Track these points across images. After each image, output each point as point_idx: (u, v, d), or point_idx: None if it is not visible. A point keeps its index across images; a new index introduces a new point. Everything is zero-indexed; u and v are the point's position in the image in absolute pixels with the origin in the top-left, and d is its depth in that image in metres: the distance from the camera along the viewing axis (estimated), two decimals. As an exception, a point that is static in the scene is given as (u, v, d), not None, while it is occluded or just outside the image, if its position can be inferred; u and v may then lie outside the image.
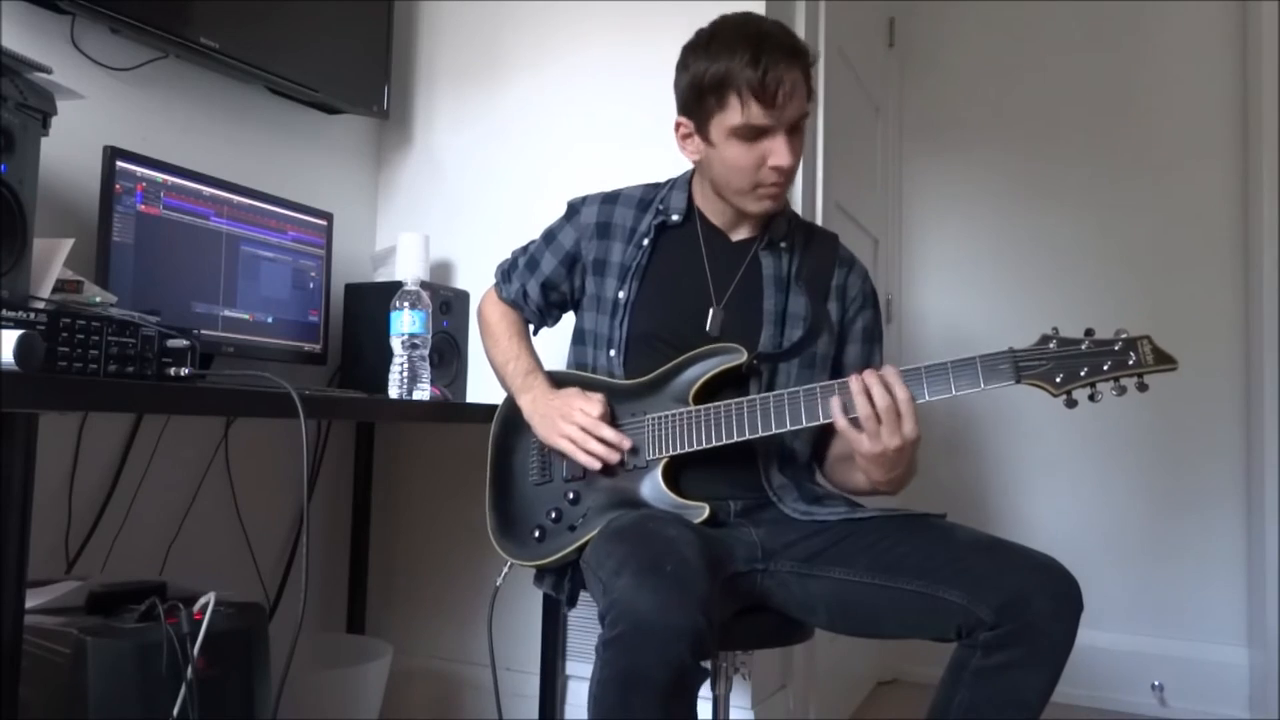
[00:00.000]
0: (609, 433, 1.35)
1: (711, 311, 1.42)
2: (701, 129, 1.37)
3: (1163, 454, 2.68)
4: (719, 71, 1.30)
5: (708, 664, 1.06)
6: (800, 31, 2.11)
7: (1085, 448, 2.75)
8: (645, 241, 1.47)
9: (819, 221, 2.14)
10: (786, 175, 1.35)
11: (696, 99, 1.35)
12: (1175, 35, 2.75)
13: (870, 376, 1.20)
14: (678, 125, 1.41)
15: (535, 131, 2.24)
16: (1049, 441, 2.78)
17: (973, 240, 2.97)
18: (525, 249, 1.61)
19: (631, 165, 1.86)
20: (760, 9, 1.94)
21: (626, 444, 1.35)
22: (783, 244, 1.46)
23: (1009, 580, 1.14)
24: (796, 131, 1.34)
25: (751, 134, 1.31)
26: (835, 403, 1.23)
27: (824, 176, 2.18)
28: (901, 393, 1.19)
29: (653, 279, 1.46)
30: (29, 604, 1.07)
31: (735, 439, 1.30)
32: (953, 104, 3.01)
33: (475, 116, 2.32)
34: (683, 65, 1.36)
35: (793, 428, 1.28)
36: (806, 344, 1.41)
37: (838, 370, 1.47)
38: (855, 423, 1.21)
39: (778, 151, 1.31)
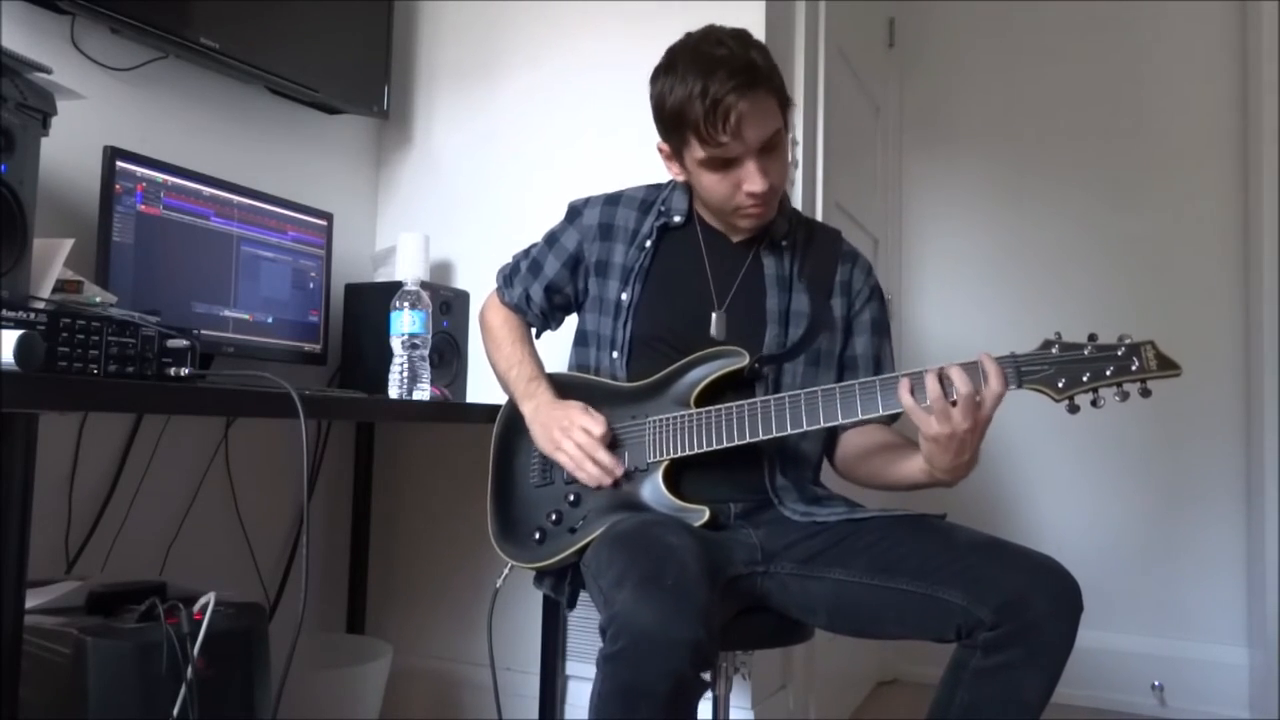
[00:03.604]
0: (604, 456, 1.34)
1: (715, 316, 1.42)
2: (677, 155, 1.37)
3: (1163, 454, 2.68)
4: (674, 105, 1.28)
5: (708, 675, 1.06)
6: (800, 31, 2.11)
7: (1085, 448, 2.75)
8: (648, 243, 1.47)
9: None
10: (764, 198, 1.33)
11: (663, 130, 1.35)
12: (1175, 35, 2.75)
13: (951, 367, 1.16)
14: (660, 149, 1.41)
15: (536, 131, 2.24)
16: (1049, 442, 2.78)
17: (973, 239, 2.97)
18: (527, 252, 1.60)
19: (633, 163, 1.86)
20: (760, 10, 1.94)
21: (619, 471, 1.35)
22: (784, 242, 1.46)
23: (1009, 581, 1.14)
24: (771, 150, 1.31)
25: (720, 164, 1.31)
26: (904, 384, 1.19)
27: (824, 176, 2.18)
28: (997, 386, 1.15)
29: (655, 281, 1.46)
30: (29, 604, 1.07)
31: (736, 442, 1.30)
32: (953, 104, 3.01)
33: (475, 116, 2.32)
34: (650, 92, 1.34)
35: (794, 431, 1.27)
36: (809, 341, 1.41)
37: (843, 365, 1.47)
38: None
39: (750, 178, 1.30)
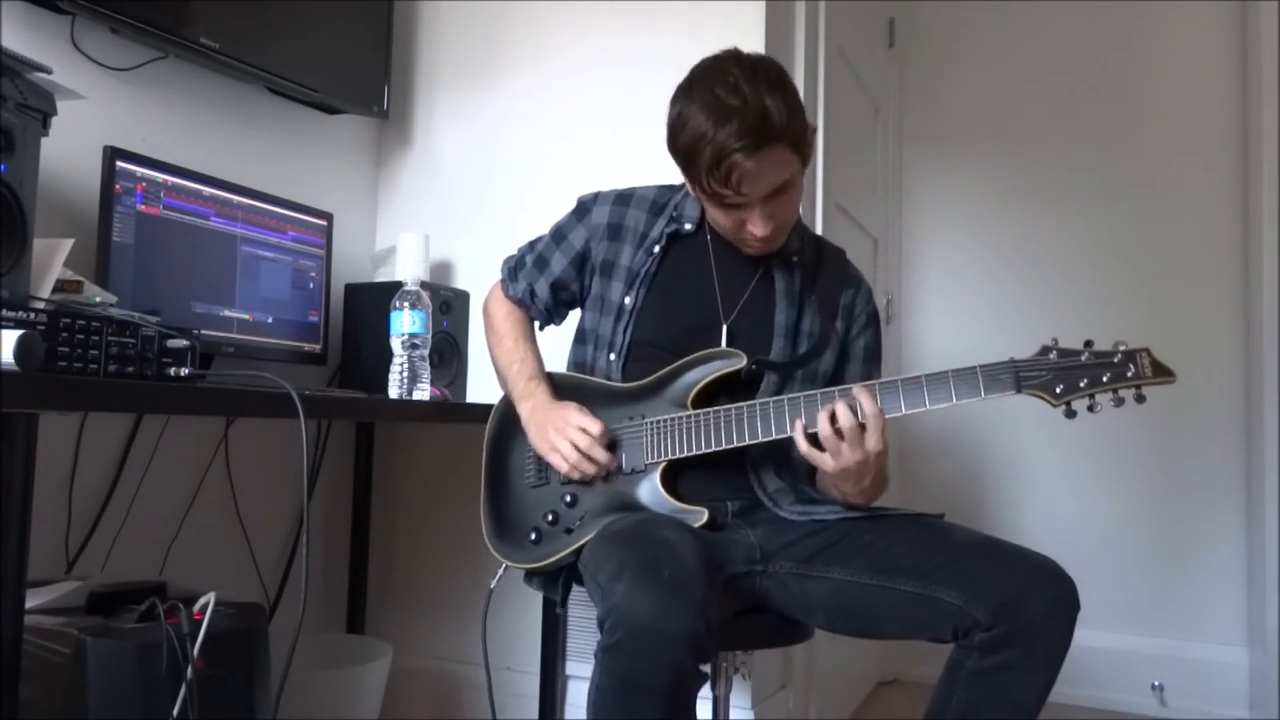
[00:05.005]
0: (601, 455, 1.34)
1: (724, 330, 1.41)
2: (689, 179, 1.35)
3: (1163, 454, 2.68)
4: (683, 146, 1.26)
5: (707, 667, 1.06)
6: (800, 32, 2.11)
7: (1085, 448, 2.75)
8: (656, 249, 1.46)
9: (819, 222, 2.14)
10: (768, 240, 1.33)
11: (674, 158, 1.32)
12: (1175, 36, 2.75)
13: (837, 402, 1.22)
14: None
15: (536, 131, 2.24)
16: (1049, 441, 2.78)
17: (972, 240, 2.97)
18: (533, 246, 1.59)
19: (635, 161, 1.86)
20: (760, 10, 1.94)
21: (614, 466, 1.36)
22: (795, 258, 1.46)
23: (1006, 581, 1.14)
24: (781, 194, 1.29)
25: (727, 206, 1.30)
26: (798, 424, 1.24)
27: (824, 176, 2.18)
28: (870, 408, 1.20)
29: (660, 288, 1.45)
30: (29, 604, 1.07)
31: (734, 444, 1.30)
32: (953, 104, 3.01)
33: (475, 116, 2.32)
34: (668, 114, 1.31)
35: (793, 433, 1.27)
36: (811, 358, 1.41)
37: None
38: (816, 441, 1.23)
39: (753, 222, 1.30)
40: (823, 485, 1.39)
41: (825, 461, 1.23)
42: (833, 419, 1.21)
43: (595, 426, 1.35)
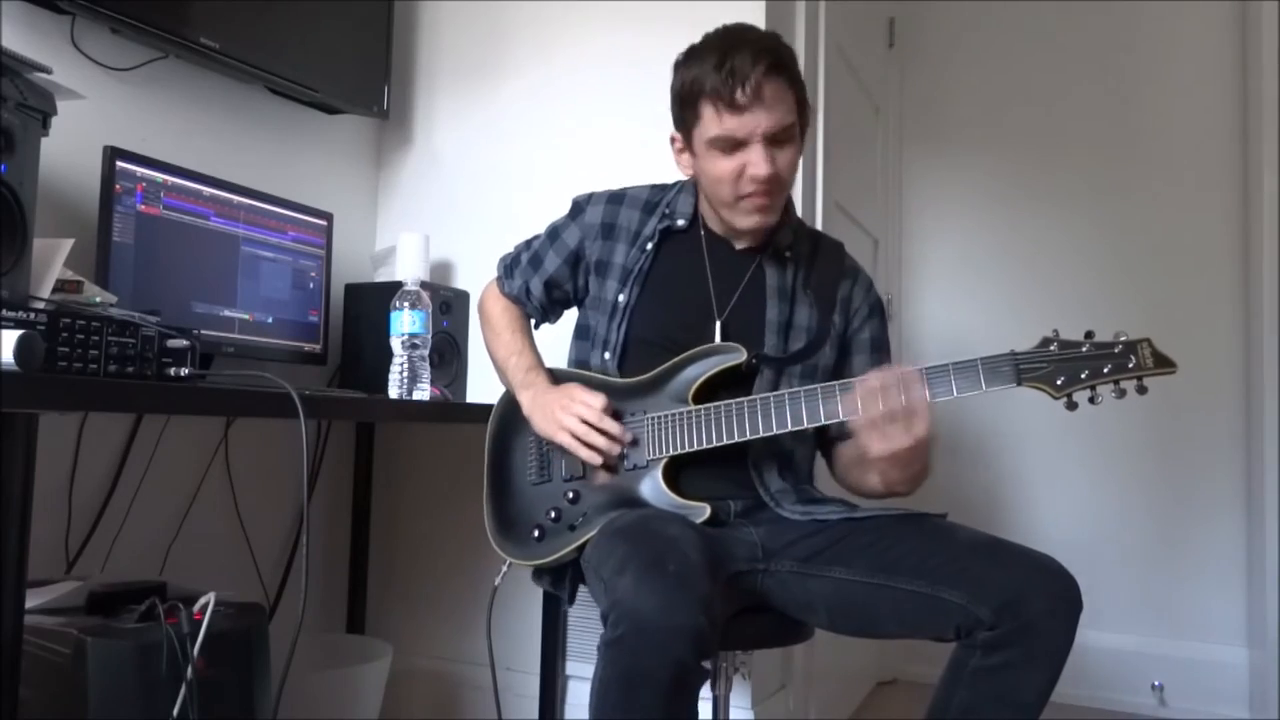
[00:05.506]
0: (612, 425, 1.34)
1: (718, 325, 1.41)
2: (688, 142, 1.38)
3: (1163, 454, 2.68)
4: (691, 79, 1.30)
5: (709, 664, 1.06)
6: (800, 31, 2.11)
7: (1086, 447, 2.75)
8: (649, 246, 1.46)
9: (819, 222, 2.14)
10: (769, 185, 1.32)
11: (679, 111, 1.36)
12: (1175, 36, 2.76)
13: (887, 377, 1.20)
14: (672, 140, 1.42)
15: (536, 131, 2.24)
16: (1049, 441, 2.78)
17: (972, 240, 2.97)
18: (529, 244, 1.60)
19: (634, 162, 1.87)
20: (760, 9, 1.94)
21: (628, 438, 1.35)
22: (788, 253, 1.46)
23: (1008, 580, 1.14)
24: (780, 143, 1.31)
25: (729, 145, 1.31)
26: (850, 402, 1.22)
27: (824, 176, 2.18)
28: (915, 392, 1.19)
29: (654, 284, 1.45)
30: (29, 604, 1.07)
31: (736, 439, 1.30)
32: (953, 104, 3.01)
33: (475, 116, 2.32)
34: (671, 82, 1.37)
35: (794, 428, 1.28)
36: (808, 353, 1.41)
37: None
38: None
39: (755, 161, 1.30)
40: (856, 478, 1.38)
41: (873, 444, 1.19)
42: (883, 399, 1.18)
43: (599, 400, 1.35)
